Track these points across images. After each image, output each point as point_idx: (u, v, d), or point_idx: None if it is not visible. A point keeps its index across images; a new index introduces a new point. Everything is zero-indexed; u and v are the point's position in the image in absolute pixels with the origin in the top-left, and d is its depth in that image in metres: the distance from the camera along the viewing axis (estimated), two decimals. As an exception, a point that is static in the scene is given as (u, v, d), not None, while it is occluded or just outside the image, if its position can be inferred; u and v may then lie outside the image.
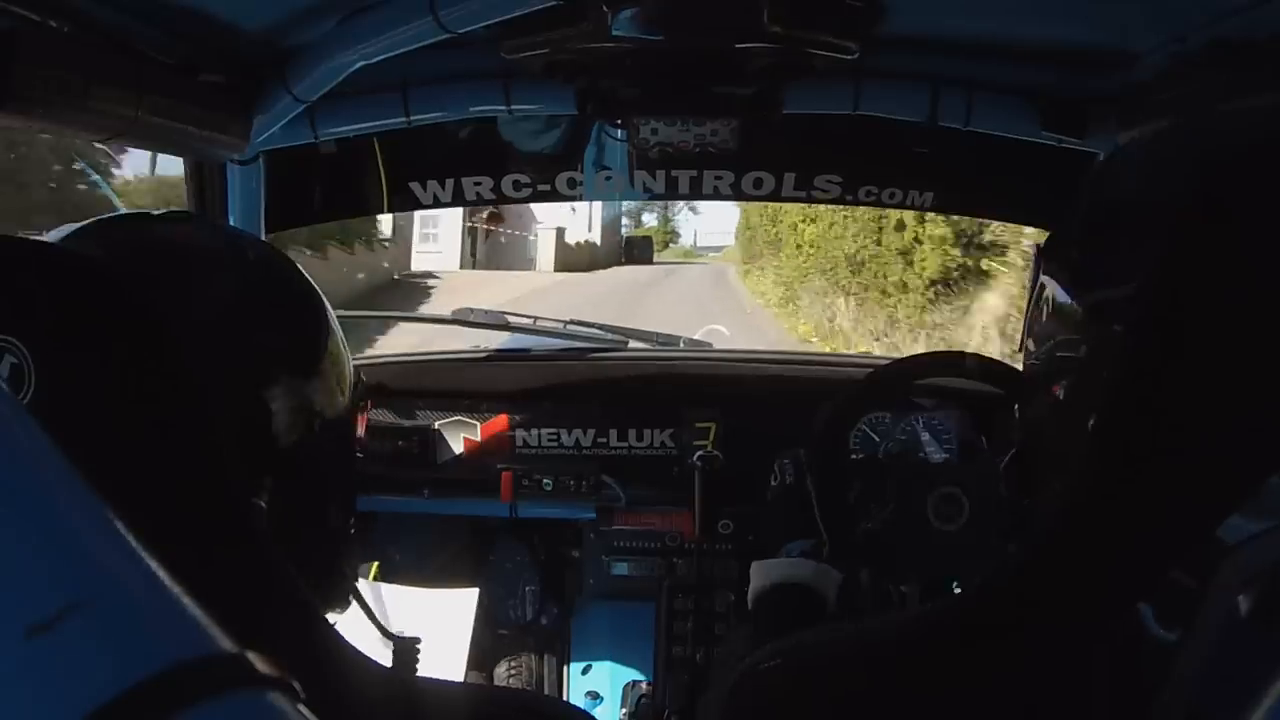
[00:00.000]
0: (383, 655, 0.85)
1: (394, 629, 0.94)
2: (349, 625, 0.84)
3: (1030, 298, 0.75)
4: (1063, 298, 0.67)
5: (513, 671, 2.11)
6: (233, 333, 0.73)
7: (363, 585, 1.08)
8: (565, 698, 2.04)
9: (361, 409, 0.88)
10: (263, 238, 1.71)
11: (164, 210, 0.84)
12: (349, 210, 2.11)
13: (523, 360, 2.18)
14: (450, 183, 1.87)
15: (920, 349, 7.42)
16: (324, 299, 0.83)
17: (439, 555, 2.11)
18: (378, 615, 0.92)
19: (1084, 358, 0.64)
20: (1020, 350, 0.79)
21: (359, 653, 0.72)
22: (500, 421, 2.02)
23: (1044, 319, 0.71)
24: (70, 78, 1.02)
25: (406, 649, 0.91)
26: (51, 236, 0.73)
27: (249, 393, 0.72)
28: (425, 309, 14.49)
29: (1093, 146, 1.56)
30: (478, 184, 1.87)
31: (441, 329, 2.95)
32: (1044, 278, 0.71)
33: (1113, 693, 0.58)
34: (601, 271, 30.95)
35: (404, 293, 19.07)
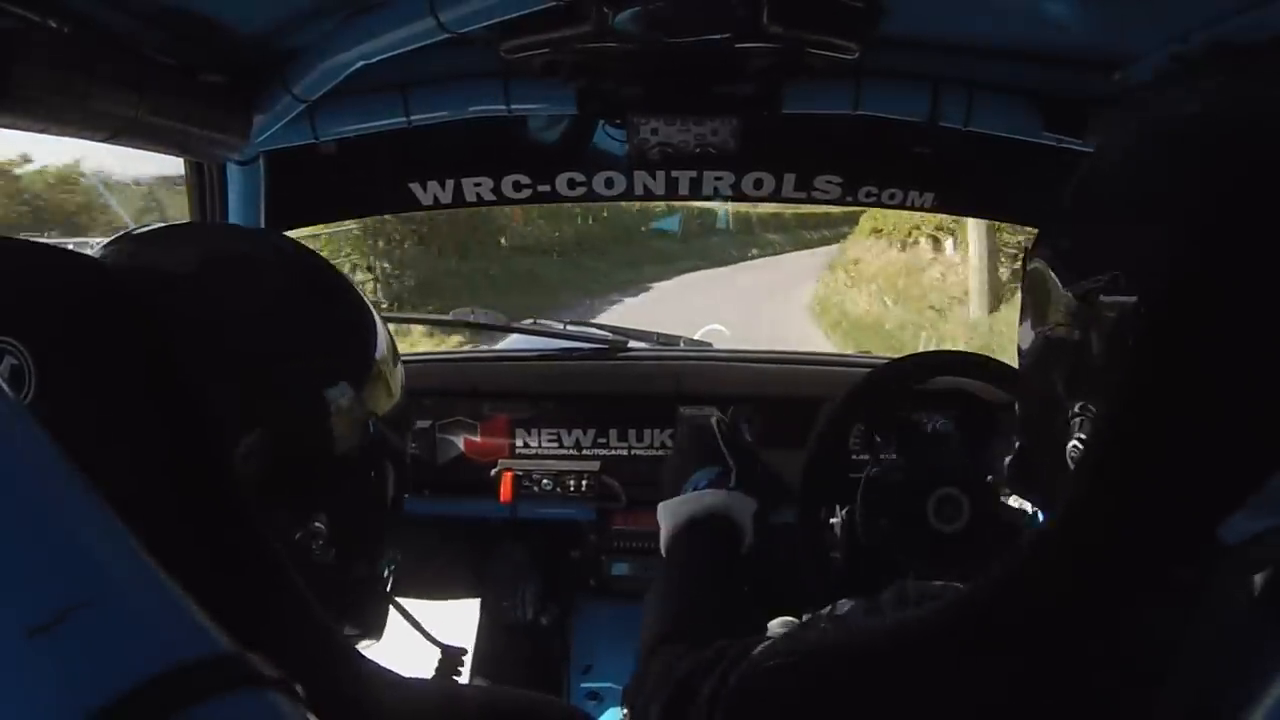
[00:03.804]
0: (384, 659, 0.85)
1: (396, 639, 0.94)
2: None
3: (1023, 293, 0.75)
4: (1055, 289, 0.67)
5: (513, 672, 2.10)
6: (285, 339, 0.74)
7: None
8: (565, 698, 2.04)
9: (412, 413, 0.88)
10: None
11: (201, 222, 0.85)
12: (349, 211, 2.11)
13: (523, 360, 2.18)
14: (450, 183, 1.87)
15: None
16: (371, 307, 0.83)
17: (439, 556, 2.11)
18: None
19: (1079, 349, 0.64)
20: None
21: (359, 653, 0.72)
22: (500, 421, 2.02)
23: (1035, 312, 0.71)
24: (70, 78, 1.02)
25: (452, 658, 0.92)
26: (99, 243, 0.74)
27: (303, 397, 0.73)
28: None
29: (1093, 147, 1.56)
30: (478, 184, 1.87)
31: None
32: (1034, 269, 0.71)
33: (1117, 691, 0.58)
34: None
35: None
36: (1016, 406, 0.79)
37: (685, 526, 1.13)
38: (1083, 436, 0.64)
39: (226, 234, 0.84)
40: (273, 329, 0.73)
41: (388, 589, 0.88)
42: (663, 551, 1.17)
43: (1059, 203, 0.70)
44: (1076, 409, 0.65)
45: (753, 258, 22.81)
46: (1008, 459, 0.79)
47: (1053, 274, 0.67)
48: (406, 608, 0.91)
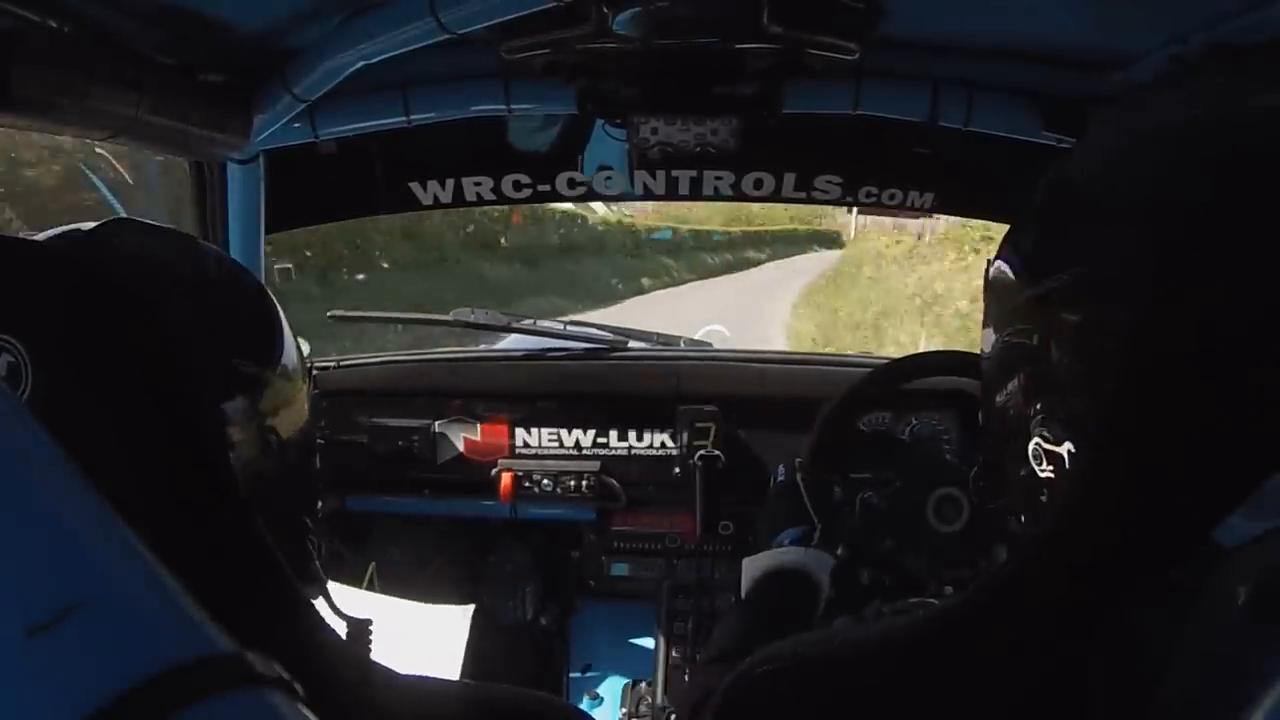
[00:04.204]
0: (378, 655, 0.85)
1: (388, 640, 0.95)
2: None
3: (986, 295, 0.74)
4: (1019, 290, 0.67)
5: (513, 672, 2.11)
6: (190, 344, 0.74)
7: (356, 597, 1.09)
8: (565, 698, 2.04)
9: (319, 417, 0.91)
10: (262, 238, 1.71)
11: (132, 219, 0.86)
12: (349, 210, 2.11)
13: (523, 361, 2.18)
14: (450, 183, 1.87)
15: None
16: (280, 313, 0.85)
17: (439, 556, 2.11)
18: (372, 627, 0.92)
19: (1041, 351, 0.64)
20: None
21: (354, 650, 0.72)
22: (500, 421, 2.02)
23: (998, 315, 0.70)
24: (70, 78, 1.02)
25: (359, 629, 0.92)
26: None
27: (206, 403, 0.74)
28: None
29: (1092, 147, 1.56)
30: (478, 184, 1.87)
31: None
32: (998, 271, 0.71)
33: (1111, 693, 0.58)
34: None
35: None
36: (980, 415, 0.78)
37: (761, 578, 1.19)
38: (1046, 434, 0.64)
39: (151, 236, 0.85)
40: (178, 336, 0.74)
41: (318, 564, 0.89)
42: (741, 599, 1.22)
43: (1030, 204, 0.70)
44: (1039, 407, 0.65)
45: (644, 291, 15.84)
46: (973, 471, 0.79)
47: (1017, 275, 0.67)
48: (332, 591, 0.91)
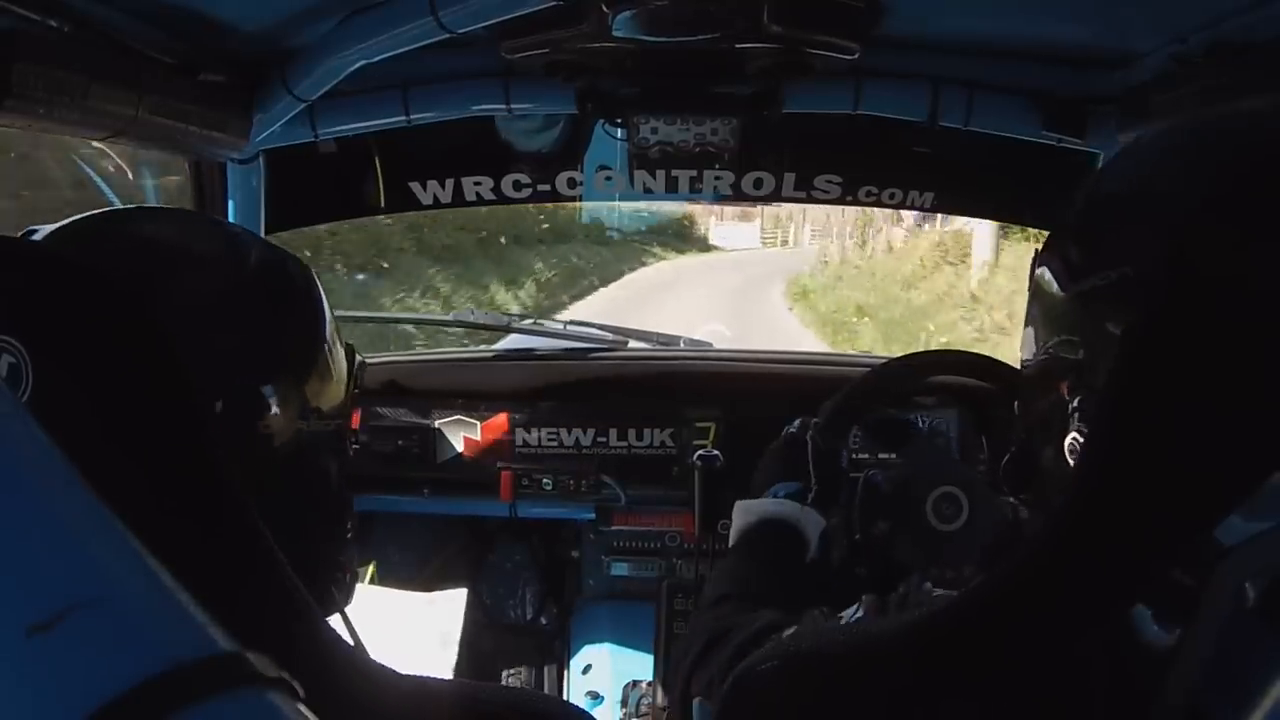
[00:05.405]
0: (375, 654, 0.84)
1: (384, 631, 0.93)
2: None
3: (1030, 297, 0.75)
4: (1060, 295, 0.67)
5: (512, 672, 2.11)
6: (225, 331, 0.73)
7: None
8: (565, 698, 2.04)
9: (355, 407, 0.88)
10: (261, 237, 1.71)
11: (156, 206, 0.84)
12: (349, 210, 2.11)
13: (523, 360, 2.18)
14: (450, 183, 1.87)
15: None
16: (323, 298, 0.83)
17: (438, 555, 2.11)
18: (366, 618, 0.91)
19: (1081, 356, 0.64)
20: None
21: (353, 650, 0.72)
22: (500, 421, 2.02)
23: (1040, 317, 0.71)
24: (70, 78, 1.02)
25: None
26: (39, 234, 0.74)
27: (241, 392, 0.73)
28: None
29: (1093, 146, 1.56)
30: (478, 184, 1.87)
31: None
32: (1040, 275, 0.71)
33: (1112, 693, 0.58)
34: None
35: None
36: (1016, 406, 0.79)
37: (755, 524, 1.19)
38: (1083, 427, 0.64)
39: (180, 222, 0.83)
40: (214, 320, 0.73)
41: (350, 581, 0.87)
42: (730, 544, 1.22)
43: (1068, 209, 0.70)
44: (1076, 403, 0.65)
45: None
46: (1005, 457, 0.79)
47: (1059, 278, 0.67)
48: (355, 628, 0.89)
